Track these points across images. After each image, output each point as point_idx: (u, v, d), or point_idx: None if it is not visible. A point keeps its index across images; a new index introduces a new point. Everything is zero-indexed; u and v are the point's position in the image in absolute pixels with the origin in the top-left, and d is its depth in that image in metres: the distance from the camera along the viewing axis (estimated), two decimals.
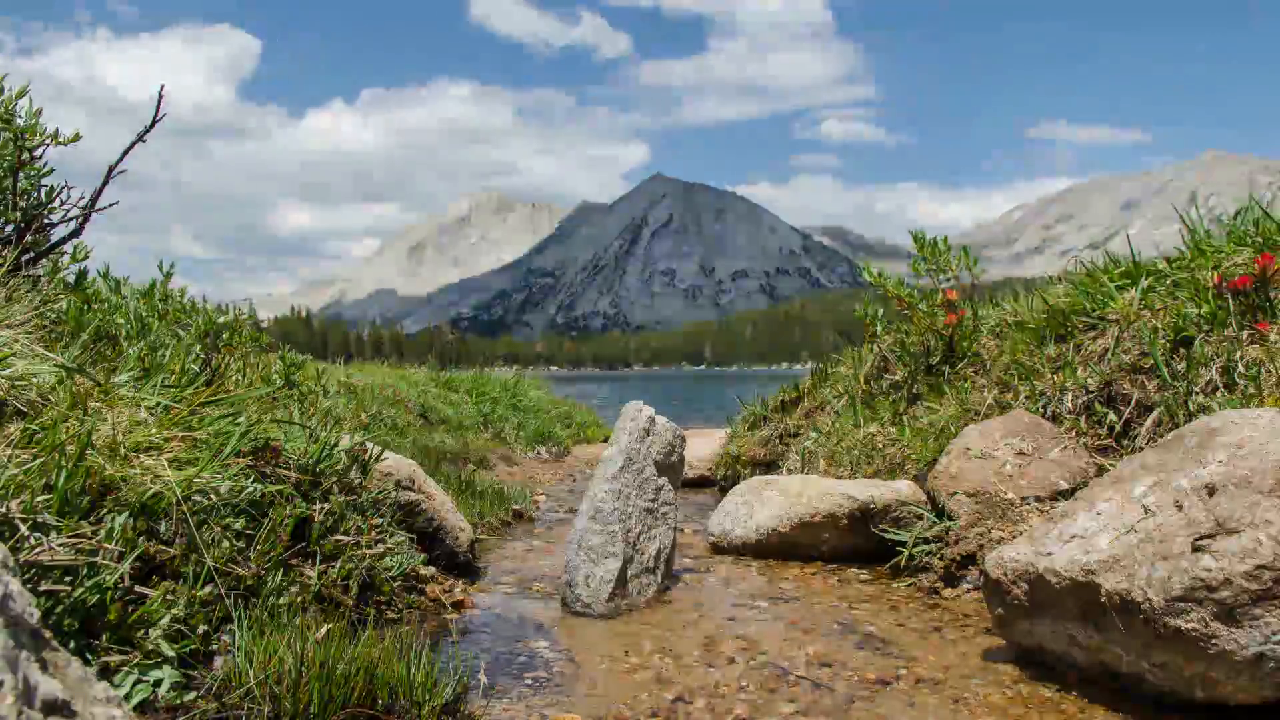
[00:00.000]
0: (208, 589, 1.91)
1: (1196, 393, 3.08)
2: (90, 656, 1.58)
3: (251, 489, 2.27)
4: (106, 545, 1.70)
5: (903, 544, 3.39)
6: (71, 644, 1.55)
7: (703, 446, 6.73)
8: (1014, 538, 2.93)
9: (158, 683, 1.63)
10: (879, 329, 5.59)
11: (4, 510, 1.60)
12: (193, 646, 1.78)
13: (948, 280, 4.96)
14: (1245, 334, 3.12)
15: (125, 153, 3.61)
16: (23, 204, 3.44)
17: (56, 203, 3.55)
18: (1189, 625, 1.85)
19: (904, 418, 4.58)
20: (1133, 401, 3.35)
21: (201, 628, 1.82)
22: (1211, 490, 1.98)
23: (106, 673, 1.58)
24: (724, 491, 5.41)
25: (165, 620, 1.73)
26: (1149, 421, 3.21)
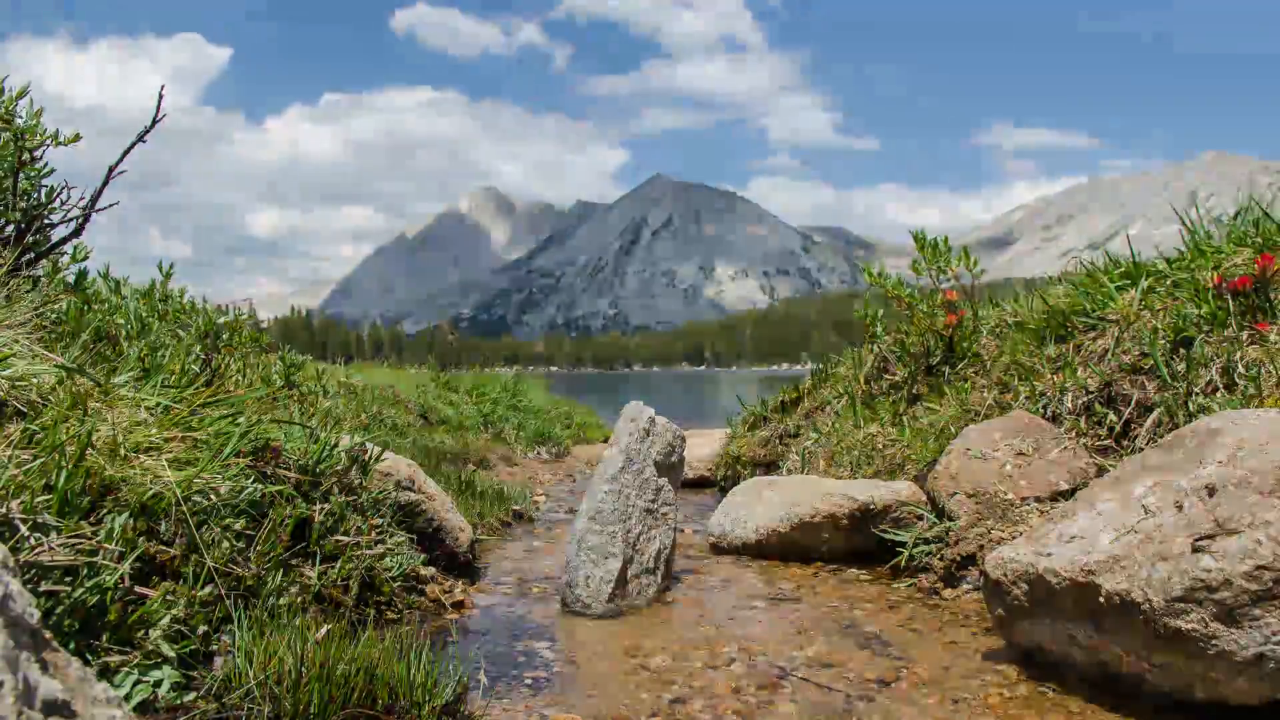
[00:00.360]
0: (208, 589, 1.91)
1: (1196, 393, 3.08)
2: (90, 657, 1.58)
3: (251, 489, 2.27)
4: (106, 545, 1.70)
5: (903, 544, 3.39)
6: (71, 644, 1.55)
7: (703, 447, 6.73)
8: (1014, 538, 2.93)
9: (158, 683, 1.63)
10: (879, 329, 5.59)
11: (4, 510, 1.60)
12: (193, 647, 1.78)
13: (948, 280, 4.96)
14: (1245, 334, 3.12)
15: (125, 153, 3.61)
16: (23, 204, 3.44)
17: (56, 203, 3.56)
18: (1189, 625, 1.85)
19: (904, 418, 4.58)
20: (1133, 402, 3.35)
21: (201, 628, 1.82)
22: (1211, 490, 1.98)
23: (106, 673, 1.58)
24: (724, 492, 5.41)
25: (165, 621, 1.73)
26: (1149, 422, 3.21)
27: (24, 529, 1.60)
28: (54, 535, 1.64)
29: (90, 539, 1.69)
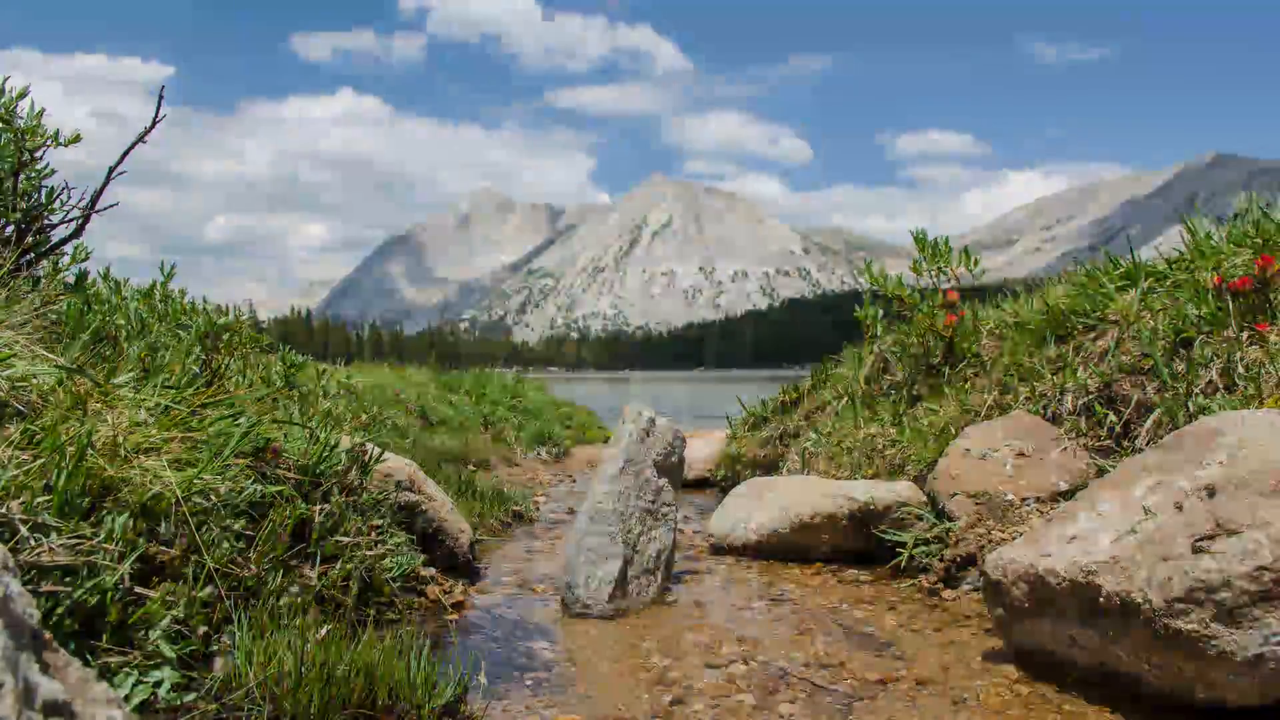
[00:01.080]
0: (208, 590, 1.91)
1: (1196, 394, 3.08)
2: (90, 658, 1.58)
3: (251, 490, 2.27)
4: (106, 546, 1.70)
5: (903, 545, 3.39)
6: (71, 645, 1.55)
7: (703, 447, 6.74)
8: (1014, 539, 2.93)
9: (158, 684, 1.63)
10: (879, 330, 5.59)
11: (4, 511, 1.60)
12: (193, 647, 1.78)
13: (948, 281, 4.96)
14: (1245, 335, 3.12)
15: (125, 154, 3.61)
16: (23, 205, 3.44)
17: (57, 204, 3.56)
18: (1189, 626, 1.85)
19: (904, 419, 4.58)
20: (1133, 402, 3.35)
21: (202, 629, 1.82)
22: (1211, 491, 1.98)
23: (106, 674, 1.58)
24: (724, 492, 5.41)
25: (165, 621, 1.73)
26: (1149, 422, 3.21)
27: (24, 530, 1.60)
28: (54, 536, 1.65)
29: (90, 539, 1.69)
